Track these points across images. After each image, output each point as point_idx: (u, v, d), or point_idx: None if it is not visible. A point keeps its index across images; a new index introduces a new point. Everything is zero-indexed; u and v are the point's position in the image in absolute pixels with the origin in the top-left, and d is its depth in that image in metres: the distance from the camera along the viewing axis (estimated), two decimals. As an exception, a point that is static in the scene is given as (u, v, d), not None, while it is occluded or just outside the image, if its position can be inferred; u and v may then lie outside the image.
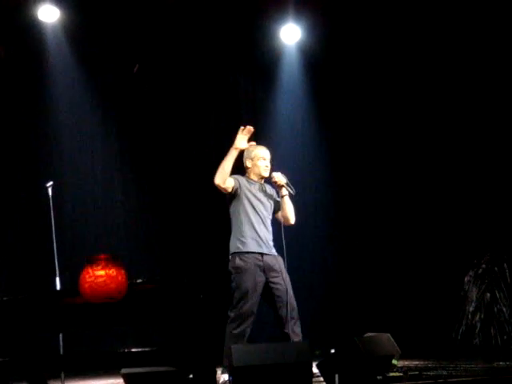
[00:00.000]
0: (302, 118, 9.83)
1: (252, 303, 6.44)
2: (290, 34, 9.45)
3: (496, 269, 8.33)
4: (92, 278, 4.01)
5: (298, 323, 6.51)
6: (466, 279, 8.44)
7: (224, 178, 6.41)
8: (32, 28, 8.76)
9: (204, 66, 9.48)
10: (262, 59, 9.66)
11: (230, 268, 6.55)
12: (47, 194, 6.99)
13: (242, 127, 6.52)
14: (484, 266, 8.42)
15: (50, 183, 7.06)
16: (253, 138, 6.69)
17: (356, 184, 9.69)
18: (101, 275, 4.01)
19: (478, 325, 8.19)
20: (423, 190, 9.42)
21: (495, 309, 8.19)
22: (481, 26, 8.85)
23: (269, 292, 6.53)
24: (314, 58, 9.63)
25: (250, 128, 6.50)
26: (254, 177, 6.67)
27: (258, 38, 9.46)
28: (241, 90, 9.85)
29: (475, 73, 9.05)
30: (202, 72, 9.51)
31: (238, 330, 6.40)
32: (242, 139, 6.49)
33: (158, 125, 9.37)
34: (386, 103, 9.62)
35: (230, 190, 6.50)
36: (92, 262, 4.05)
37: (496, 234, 8.57)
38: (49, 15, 8.71)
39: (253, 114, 9.81)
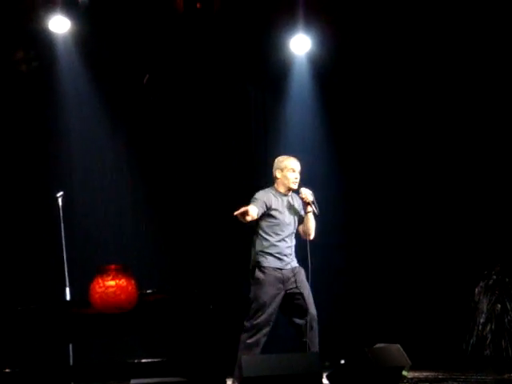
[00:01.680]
0: (311, 127, 9.81)
1: (268, 315, 6.46)
2: (300, 45, 9.45)
3: (507, 280, 8.28)
4: (102, 289, 4.02)
5: (316, 333, 6.51)
6: (476, 290, 8.39)
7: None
8: (43, 39, 8.78)
9: (215, 76, 9.49)
10: (272, 69, 9.66)
11: (250, 279, 6.58)
12: (57, 204, 7.00)
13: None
14: (495, 276, 8.37)
15: (60, 193, 7.08)
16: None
17: (367, 194, 9.67)
18: (111, 285, 4.02)
19: (489, 336, 8.14)
20: (434, 201, 9.39)
21: (506, 320, 8.14)
22: (482, 28, 8.85)
23: (287, 302, 6.55)
24: (324, 68, 9.62)
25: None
26: (281, 188, 6.70)
27: (268, 49, 9.46)
28: (251, 100, 9.86)
29: (480, 78, 9.03)
30: (212, 82, 9.52)
31: (252, 339, 6.41)
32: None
33: (168, 134, 9.38)
34: (395, 113, 9.59)
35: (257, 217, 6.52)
36: (102, 272, 4.06)
37: (506, 245, 8.54)
38: (60, 26, 8.73)
39: (263, 124, 9.82)
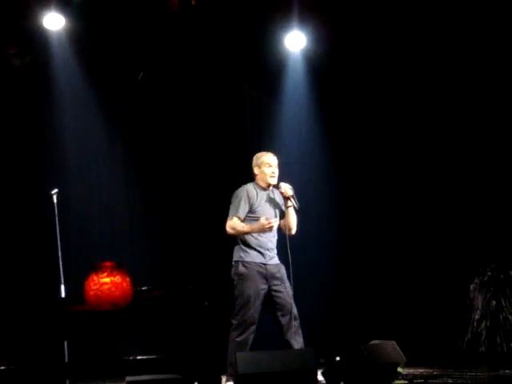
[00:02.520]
0: (306, 124, 9.81)
1: (254, 310, 6.48)
2: (295, 41, 9.44)
3: (502, 276, 8.28)
4: (97, 286, 4.01)
5: (300, 331, 6.54)
6: (471, 287, 8.39)
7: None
8: (37, 36, 8.77)
9: (209, 72, 9.48)
10: (267, 66, 9.65)
11: (232, 275, 6.61)
12: (52, 201, 6.99)
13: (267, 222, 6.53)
14: (489, 273, 8.38)
15: (55, 191, 7.07)
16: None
17: (361, 191, 9.67)
18: (106, 282, 4.02)
19: (484, 333, 8.15)
20: (429, 198, 9.39)
21: (501, 317, 8.15)
22: (482, 28, 8.85)
23: (270, 300, 6.57)
24: (319, 64, 9.62)
25: (272, 226, 6.55)
26: (262, 183, 6.74)
27: (263, 45, 9.46)
28: (246, 96, 9.86)
29: (478, 78, 9.03)
30: (207, 79, 9.51)
31: (241, 337, 6.43)
32: (260, 229, 6.55)
33: (163, 131, 9.37)
34: (390, 109, 9.60)
35: None
36: (97, 269, 4.05)
37: (501, 242, 8.55)
38: (54, 23, 8.71)
39: (258, 121, 9.83)
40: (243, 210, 6.60)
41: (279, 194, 6.79)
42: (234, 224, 6.59)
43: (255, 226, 6.56)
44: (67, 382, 6.76)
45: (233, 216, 6.61)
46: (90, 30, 8.92)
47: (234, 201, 6.68)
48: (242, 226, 6.59)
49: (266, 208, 6.68)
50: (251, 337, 6.48)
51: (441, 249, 9.15)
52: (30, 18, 8.68)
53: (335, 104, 9.77)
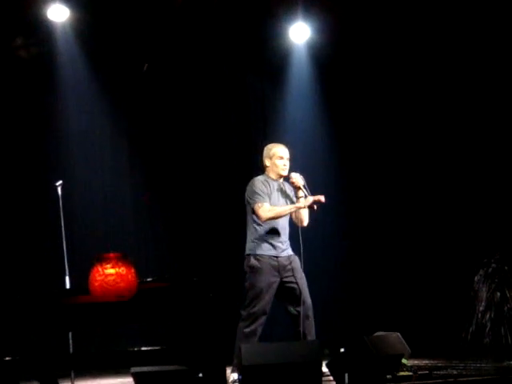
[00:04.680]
0: (311, 116, 9.80)
1: (265, 303, 6.46)
2: (299, 33, 9.43)
3: (506, 268, 8.30)
4: (102, 277, 4.01)
5: (313, 323, 6.52)
6: (475, 278, 8.41)
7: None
8: (42, 27, 8.77)
9: (213, 64, 9.49)
10: (271, 58, 9.65)
11: (245, 267, 6.57)
12: (57, 193, 6.99)
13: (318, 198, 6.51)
14: (494, 265, 8.38)
15: (60, 182, 7.06)
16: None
17: (367, 182, 9.67)
18: (111, 274, 4.02)
19: (488, 324, 8.16)
20: (434, 189, 9.40)
21: (505, 308, 8.16)
22: (484, 27, 8.84)
23: (284, 291, 6.55)
24: (323, 56, 9.61)
25: (321, 199, 6.51)
26: (272, 175, 6.71)
27: (267, 37, 9.45)
28: (250, 88, 9.85)
29: (481, 72, 9.03)
30: (211, 71, 9.51)
31: (250, 328, 6.42)
32: (308, 202, 6.52)
33: (166, 122, 9.38)
34: (395, 101, 9.59)
35: None
36: (102, 260, 4.05)
37: (506, 233, 8.55)
38: (58, 14, 8.71)
39: (261, 113, 9.82)
40: (266, 198, 6.53)
41: (289, 186, 6.77)
42: (269, 207, 6.47)
43: (297, 204, 6.52)
44: (72, 373, 6.78)
45: (262, 203, 6.48)
46: (95, 21, 8.92)
47: (254, 191, 6.54)
48: (279, 207, 6.53)
49: (278, 199, 6.64)
50: (260, 328, 6.46)
51: (446, 240, 9.16)
52: (35, 10, 8.68)
53: (339, 95, 9.77)
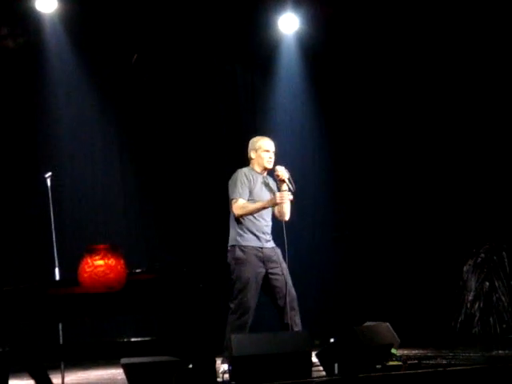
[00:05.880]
0: (300, 107, 9.81)
1: (252, 294, 6.46)
2: (288, 24, 9.43)
3: (495, 258, 8.34)
4: (91, 268, 4.00)
5: (298, 314, 6.54)
6: (465, 268, 8.45)
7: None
8: (30, 18, 8.73)
9: (202, 55, 9.47)
10: (260, 49, 9.64)
11: (229, 259, 6.57)
12: (46, 184, 6.97)
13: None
14: (483, 255, 8.42)
15: (49, 174, 7.04)
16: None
17: (356, 174, 9.69)
18: (100, 265, 4.01)
19: (477, 314, 8.20)
20: (423, 180, 9.41)
21: (494, 298, 8.20)
22: (481, 25, 8.84)
23: (268, 283, 6.55)
24: (312, 47, 9.61)
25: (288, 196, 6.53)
26: (257, 168, 6.71)
27: (256, 28, 9.43)
28: (239, 79, 9.85)
29: (476, 68, 9.03)
30: (199, 62, 9.50)
31: (240, 320, 6.42)
32: (273, 203, 6.51)
33: (156, 114, 9.38)
34: (385, 93, 9.60)
35: None
36: (91, 251, 4.04)
37: (495, 224, 8.58)
38: (47, 6, 8.67)
39: (251, 104, 9.82)
40: (245, 192, 6.54)
41: (273, 181, 6.77)
42: (242, 204, 6.50)
43: (267, 200, 6.53)
44: (62, 364, 6.77)
45: (237, 198, 6.51)
46: (83, 12, 8.88)
47: (234, 184, 6.58)
48: (251, 204, 6.54)
49: (261, 192, 6.65)
50: (249, 320, 6.47)
51: (435, 230, 9.18)
52: (23, 1, 8.64)
53: (328, 86, 9.77)
